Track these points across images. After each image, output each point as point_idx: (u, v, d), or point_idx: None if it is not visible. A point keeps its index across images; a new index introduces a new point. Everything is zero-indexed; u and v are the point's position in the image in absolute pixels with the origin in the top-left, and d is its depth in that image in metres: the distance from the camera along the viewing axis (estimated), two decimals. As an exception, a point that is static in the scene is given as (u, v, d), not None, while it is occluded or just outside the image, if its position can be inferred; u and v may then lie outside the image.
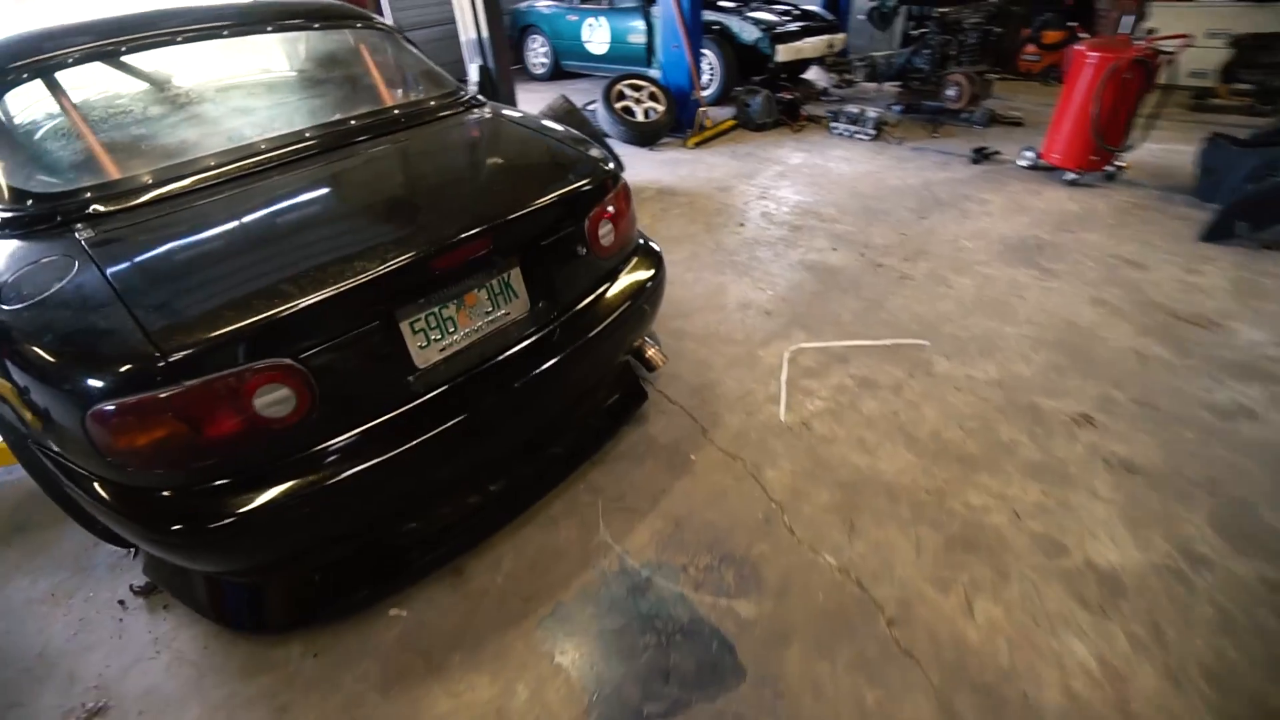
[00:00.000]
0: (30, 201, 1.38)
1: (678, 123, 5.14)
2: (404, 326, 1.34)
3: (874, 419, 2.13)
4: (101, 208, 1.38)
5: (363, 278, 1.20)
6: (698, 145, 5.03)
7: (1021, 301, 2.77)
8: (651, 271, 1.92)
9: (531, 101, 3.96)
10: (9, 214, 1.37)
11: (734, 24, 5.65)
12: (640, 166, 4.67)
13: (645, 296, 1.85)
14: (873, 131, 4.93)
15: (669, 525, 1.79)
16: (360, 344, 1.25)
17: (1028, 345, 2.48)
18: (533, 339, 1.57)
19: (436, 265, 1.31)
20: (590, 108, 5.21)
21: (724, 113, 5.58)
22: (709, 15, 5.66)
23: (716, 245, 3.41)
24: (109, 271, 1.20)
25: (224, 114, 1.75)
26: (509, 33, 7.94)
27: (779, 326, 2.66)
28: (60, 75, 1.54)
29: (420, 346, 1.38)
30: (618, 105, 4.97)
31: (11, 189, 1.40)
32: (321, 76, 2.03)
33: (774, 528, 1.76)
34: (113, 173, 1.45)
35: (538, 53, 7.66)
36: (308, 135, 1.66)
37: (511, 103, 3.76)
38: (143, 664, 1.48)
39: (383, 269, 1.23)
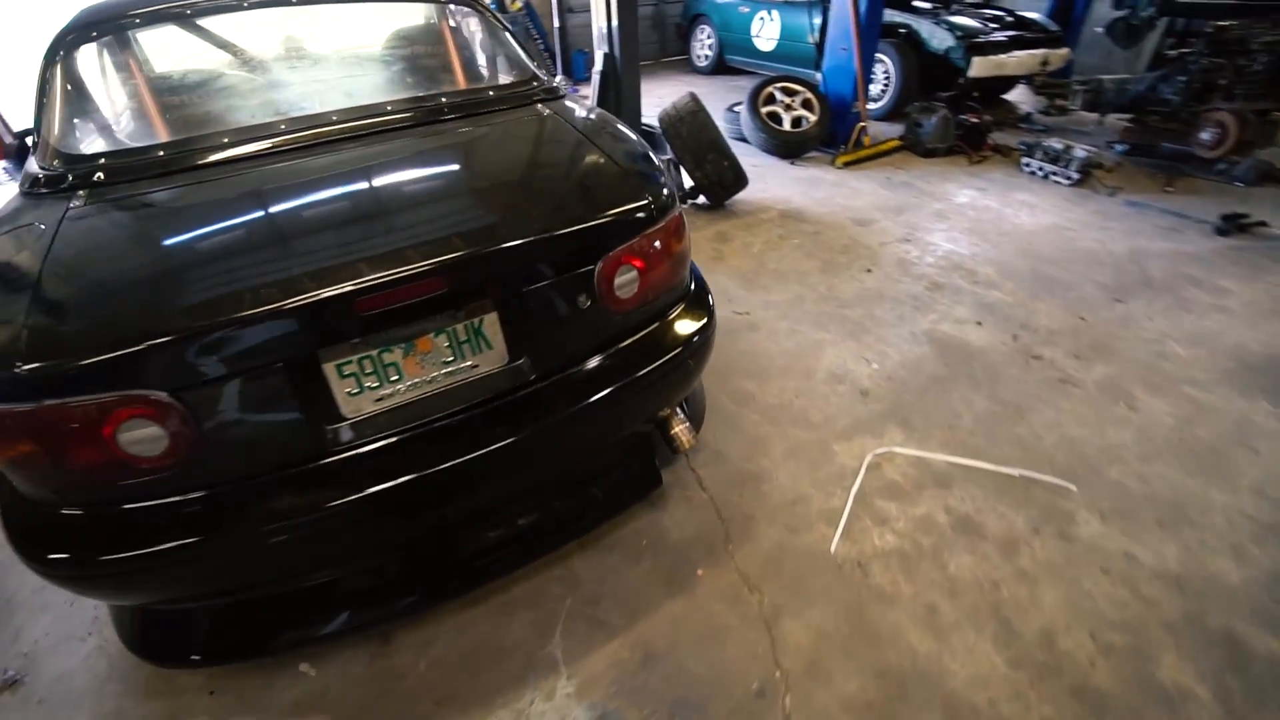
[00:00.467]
0: (56, 161, 1.37)
1: (831, 136, 4.52)
2: (329, 368, 1.11)
3: (961, 584, 1.55)
4: (103, 176, 1.33)
5: (258, 312, 0.99)
6: (847, 165, 4.38)
7: (1252, 456, 1.92)
8: (695, 328, 1.52)
9: (665, 94, 3.65)
10: (39, 172, 1.37)
11: (924, 28, 4.83)
12: (772, 181, 4.17)
13: (677, 362, 1.47)
14: (1076, 175, 3.91)
15: (636, 658, 1.42)
16: (264, 384, 1.05)
17: (1248, 530, 1.68)
18: (505, 401, 1.28)
19: (364, 306, 1.05)
20: (737, 109, 4.79)
21: (890, 130, 4.82)
22: (894, 16, 4.89)
23: (829, 292, 2.86)
24: (53, 251, 1.11)
25: (260, 89, 1.67)
26: (679, 20, 7.71)
27: (872, 415, 2.10)
28: (122, 38, 1.53)
29: (350, 393, 1.15)
30: (764, 110, 4.47)
31: (49, 147, 1.40)
32: (383, 54, 1.89)
33: (767, 709, 1.31)
34: (124, 141, 1.40)
35: (703, 44, 7.31)
36: (334, 119, 1.51)
37: (635, 95, 3.47)
38: (72, 644, 1.46)
39: (287, 305, 1.00)
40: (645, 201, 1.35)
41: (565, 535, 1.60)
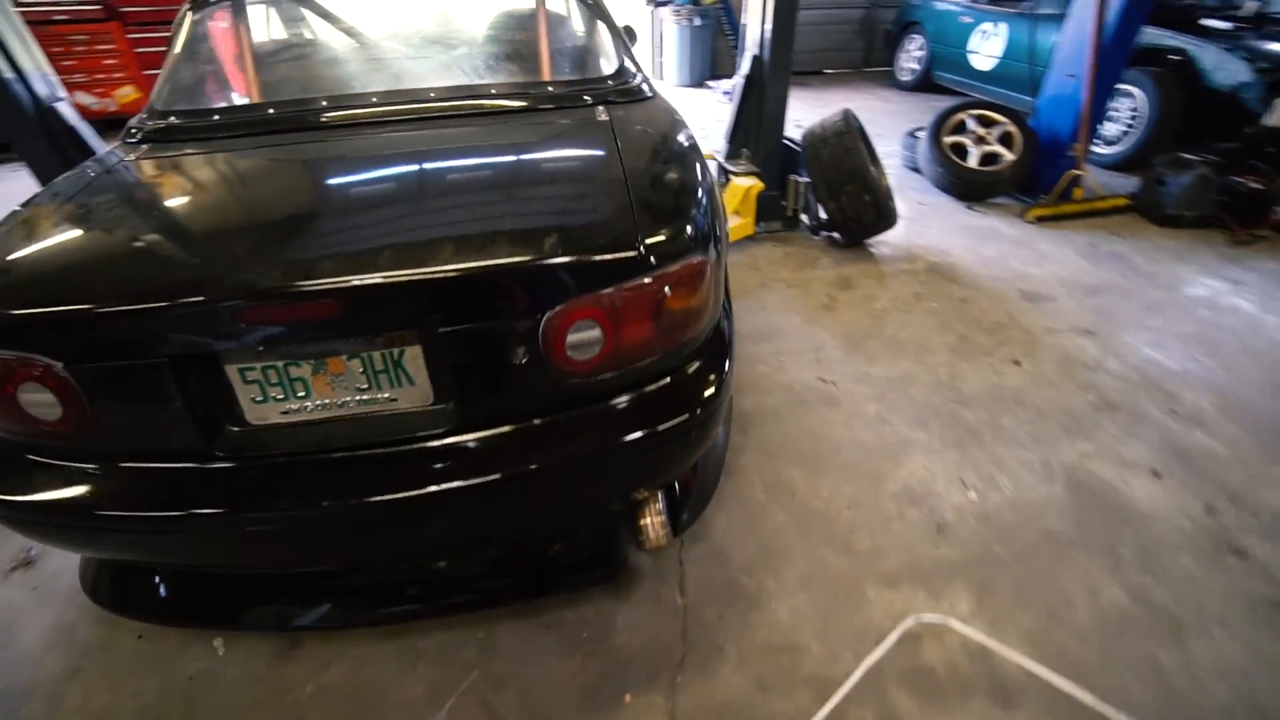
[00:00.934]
0: (144, 115, 1.52)
1: (1029, 181, 3.67)
2: (231, 371, 1.05)
3: None
4: (161, 133, 1.46)
5: (145, 304, 0.96)
6: (1041, 220, 3.51)
7: None
8: (686, 407, 1.21)
9: (851, 107, 3.17)
10: (138, 123, 1.52)
11: (1207, 56, 3.66)
12: (934, 225, 3.50)
13: (648, 447, 1.18)
14: None
15: (511, 779, 1.19)
16: (161, 375, 1.01)
17: None
18: (425, 444, 1.12)
19: (250, 318, 0.97)
20: (918, 134, 4.12)
21: (1118, 184, 3.78)
22: (1163, 38, 3.78)
23: (950, 379, 2.27)
24: (74, 198, 1.23)
25: (321, 65, 1.71)
26: (890, 28, 6.91)
27: (940, 564, 1.59)
28: (233, 7, 1.64)
29: (254, 399, 1.08)
30: (948, 139, 3.77)
31: (150, 103, 1.55)
32: (458, 35, 1.82)
33: None
34: (189, 103, 1.50)
35: (911, 55, 6.47)
36: (373, 101, 1.49)
37: (779, 105, 3.07)
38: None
39: (174, 303, 0.95)
40: (633, 246, 1.07)
41: (491, 601, 1.42)
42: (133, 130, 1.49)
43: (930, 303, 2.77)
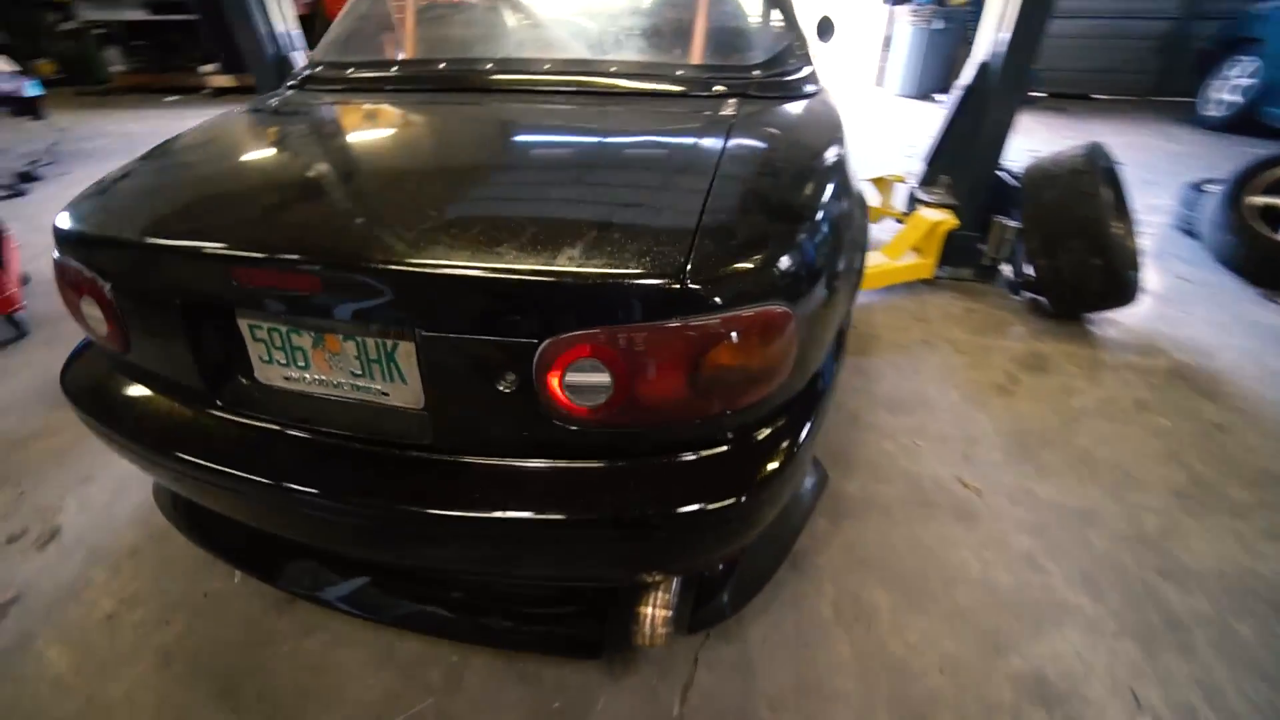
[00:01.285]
0: (306, 62, 1.63)
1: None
2: (243, 325, 1.03)
3: None
4: (304, 80, 1.56)
5: (160, 244, 0.97)
6: (1397, 337, 2.39)
7: None
8: (743, 483, 0.93)
9: (1117, 145, 2.45)
10: (299, 69, 1.64)
11: None
12: (1198, 313, 2.59)
13: (676, 527, 0.93)
14: None
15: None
16: (167, 311, 1.01)
17: None
18: (410, 452, 1.00)
19: (242, 278, 0.92)
20: (1208, 188, 3.10)
21: None
22: None
23: (1160, 536, 1.61)
24: (207, 134, 1.30)
25: (462, 26, 1.68)
26: (1206, 44, 5.38)
27: (1057, 806, 1.09)
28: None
29: (261, 358, 1.06)
30: (1256, 200, 2.75)
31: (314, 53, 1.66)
32: (612, 7, 1.68)
33: None
34: (334, 54, 1.58)
35: (1229, 83, 4.94)
36: (490, 67, 1.46)
37: (1001, 127, 2.42)
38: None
39: (181, 248, 0.95)
40: (676, 275, 0.81)
41: (466, 634, 1.28)
42: (294, 74, 1.60)
43: (1160, 418, 2.01)
